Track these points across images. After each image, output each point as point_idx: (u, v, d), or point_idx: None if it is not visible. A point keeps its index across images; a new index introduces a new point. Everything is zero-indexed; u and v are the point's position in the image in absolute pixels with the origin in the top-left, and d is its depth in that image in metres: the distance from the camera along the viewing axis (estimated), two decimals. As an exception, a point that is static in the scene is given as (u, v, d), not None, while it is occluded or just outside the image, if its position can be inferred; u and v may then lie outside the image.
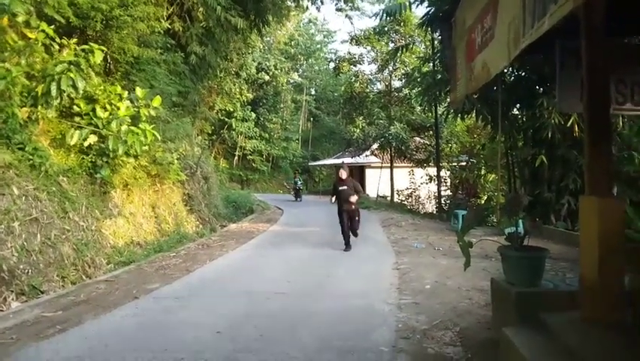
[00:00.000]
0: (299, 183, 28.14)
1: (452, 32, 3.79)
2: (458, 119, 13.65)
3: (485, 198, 15.87)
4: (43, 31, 7.21)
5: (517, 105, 11.17)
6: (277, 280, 6.85)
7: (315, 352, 3.93)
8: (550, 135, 9.90)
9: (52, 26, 7.42)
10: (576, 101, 3.58)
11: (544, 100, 9.74)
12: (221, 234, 12.79)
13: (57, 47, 7.60)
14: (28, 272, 6.35)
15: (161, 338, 4.31)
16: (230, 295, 5.99)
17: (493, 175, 15.28)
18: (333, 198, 9.65)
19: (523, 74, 10.63)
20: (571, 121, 9.61)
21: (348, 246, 9.40)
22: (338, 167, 10.09)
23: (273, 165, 43.85)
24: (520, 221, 4.35)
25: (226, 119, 36.02)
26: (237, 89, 29.65)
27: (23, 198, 6.91)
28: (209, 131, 26.10)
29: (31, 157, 7.22)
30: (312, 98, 50.37)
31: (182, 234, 11.31)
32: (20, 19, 6.88)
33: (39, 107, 7.31)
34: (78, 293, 6.16)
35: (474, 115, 11.49)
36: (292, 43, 44.65)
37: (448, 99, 11.74)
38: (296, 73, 46.24)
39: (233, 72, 24.25)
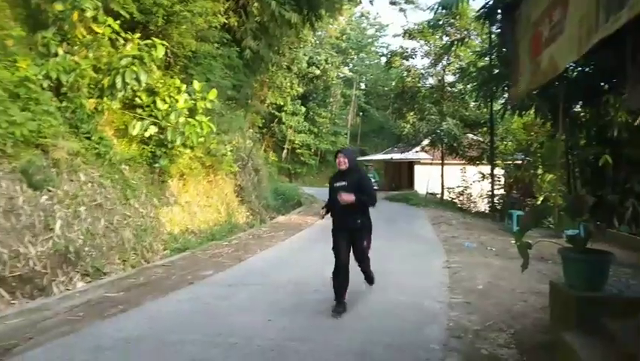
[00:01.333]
0: (373, 180, 15.47)
1: (515, 26, 3.67)
2: (515, 115, 13.14)
3: (541, 198, 15.23)
4: (109, 26, 7.58)
5: (580, 102, 10.62)
6: (325, 272, 6.83)
7: (363, 345, 3.95)
8: (615, 134, 9.37)
9: (118, 21, 7.79)
10: (649, 97, 3.37)
11: (609, 97, 9.20)
12: (271, 225, 13.04)
13: (122, 41, 7.98)
14: (92, 254, 6.73)
15: (215, 323, 4.48)
16: (279, 285, 6.11)
17: (551, 175, 14.63)
18: (323, 212, 5.31)
19: (587, 69, 10.08)
20: (639, 119, 9.05)
21: (339, 305, 4.89)
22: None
23: (321, 159, 44.07)
24: (581, 223, 4.16)
25: (276, 113, 36.53)
26: (288, 83, 29.99)
27: (89, 184, 7.33)
28: (260, 125, 26.56)
29: (96, 146, 7.64)
30: (362, 92, 50.08)
31: (233, 224, 11.63)
32: (89, 14, 7.26)
33: (105, 98, 7.71)
34: (138, 276, 6.49)
35: (532, 112, 11.03)
36: (343, 37, 44.58)
37: (505, 95, 11.33)
38: (346, 67, 46.14)
39: (284, 66, 24.54)
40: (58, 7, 6.91)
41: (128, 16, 8.19)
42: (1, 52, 6.43)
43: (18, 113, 6.00)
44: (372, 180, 15.47)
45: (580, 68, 10.24)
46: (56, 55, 6.95)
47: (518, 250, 3.88)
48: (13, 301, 5.22)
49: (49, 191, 6.48)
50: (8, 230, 5.63)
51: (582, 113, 11.08)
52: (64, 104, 7.15)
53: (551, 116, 10.52)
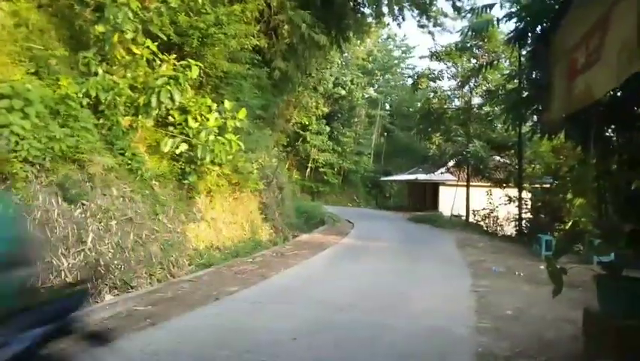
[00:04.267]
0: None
1: (549, 51, 3.68)
2: (544, 138, 12.95)
3: (570, 223, 14.86)
4: (147, 47, 7.88)
5: (612, 126, 10.41)
6: (350, 292, 6.88)
7: (391, 368, 3.92)
8: (649, 159, 9.12)
9: (156, 43, 8.09)
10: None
11: (644, 122, 9.00)
12: (294, 243, 13.06)
13: (158, 62, 8.27)
14: (121, 268, 6.85)
15: (242, 339, 4.51)
16: (304, 304, 6.11)
17: (581, 200, 14.31)
18: None
19: (619, 93, 9.91)
20: (675, 145, 8.80)
21: None
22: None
23: (344, 178, 44.07)
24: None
25: (301, 132, 36.86)
26: (314, 103, 30.33)
27: (121, 199, 7.51)
28: (285, 143, 26.83)
29: (129, 162, 7.85)
30: (387, 113, 50.15)
31: (257, 241, 11.69)
32: (128, 36, 7.56)
33: (139, 116, 7.96)
34: (165, 290, 6.58)
35: (562, 135, 10.86)
36: (370, 58, 44.96)
37: (534, 118, 11.18)
38: (372, 88, 46.42)
39: (311, 87, 24.89)
40: (100, 29, 7.23)
41: (165, 38, 8.50)
42: (45, 70, 6.74)
43: (58, 129, 6.24)
44: None
45: (612, 92, 10.08)
46: (96, 74, 7.23)
47: (549, 276, 3.81)
48: (44, 312, 5.35)
49: (83, 205, 6.67)
50: (43, 242, 5.80)
51: (614, 138, 10.85)
52: (101, 121, 7.40)
53: (582, 140, 10.32)
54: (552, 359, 4.19)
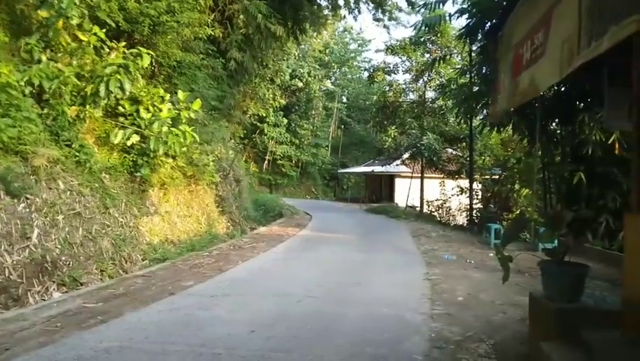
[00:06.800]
0: None
1: (496, 46, 3.81)
2: (493, 131, 13.47)
3: (518, 212, 15.56)
4: (95, 34, 7.56)
5: (556, 120, 10.94)
6: (308, 283, 6.92)
7: (348, 357, 3.98)
8: (590, 152, 9.66)
9: (104, 30, 7.77)
10: (624, 117, 3.54)
11: (585, 116, 9.51)
12: (252, 236, 12.98)
13: (107, 49, 7.95)
14: (69, 264, 6.61)
15: (198, 333, 4.44)
16: (262, 296, 6.10)
17: (527, 190, 14.99)
18: None
19: (562, 88, 10.43)
20: (612, 138, 9.36)
21: None
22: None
23: (302, 170, 44.18)
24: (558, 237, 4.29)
25: (258, 124, 36.57)
26: (271, 95, 30.05)
27: (68, 192, 7.23)
28: (242, 135, 26.49)
29: (77, 154, 7.55)
30: (344, 105, 50.56)
31: (213, 234, 11.54)
32: (74, 22, 7.24)
33: (87, 106, 7.64)
34: (117, 287, 6.38)
35: (510, 128, 11.31)
36: (327, 51, 45.08)
37: (485, 111, 11.59)
38: (329, 80, 46.61)
39: (268, 78, 24.61)
40: (43, 14, 6.88)
41: (113, 24, 8.18)
42: (-18, 57, 6.35)
43: (-2, 119, 5.92)
44: None
45: (556, 88, 10.59)
46: (39, 61, 6.88)
47: (499, 263, 3.98)
48: (-14, 311, 5.09)
49: (27, 199, 6.38)
50: None
51: (558, 131, 11.41)
52: (45, 111, 7.07)
53: (528, 133, 10.80)
54: (500, 341, 4.39)
